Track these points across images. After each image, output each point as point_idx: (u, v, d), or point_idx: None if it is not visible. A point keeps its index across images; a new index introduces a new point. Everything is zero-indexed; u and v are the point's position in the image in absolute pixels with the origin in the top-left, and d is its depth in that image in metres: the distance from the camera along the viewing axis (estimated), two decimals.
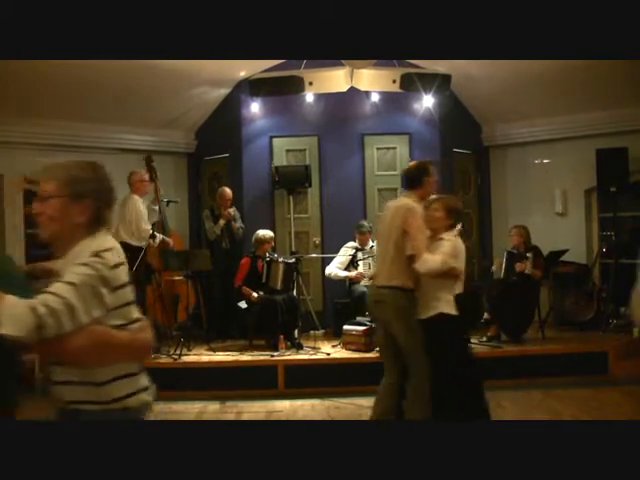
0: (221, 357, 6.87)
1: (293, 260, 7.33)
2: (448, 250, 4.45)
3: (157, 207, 7.57)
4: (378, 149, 8.55)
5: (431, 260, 4.32)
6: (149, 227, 7.18)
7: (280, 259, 7.36)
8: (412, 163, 5.12)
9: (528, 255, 7.25)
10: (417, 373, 4.39)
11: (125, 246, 7.52)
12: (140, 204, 7.25)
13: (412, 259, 4.38)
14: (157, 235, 7.19)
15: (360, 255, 7.68)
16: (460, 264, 4.53)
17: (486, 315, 7.49)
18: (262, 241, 7.48)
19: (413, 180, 4.68)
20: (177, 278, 7.32)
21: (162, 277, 7.35)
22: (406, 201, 4.58)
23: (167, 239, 7.43)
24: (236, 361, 6.76)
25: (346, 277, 7.73)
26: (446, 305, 4.43)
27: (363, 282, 7.61)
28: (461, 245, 4.66)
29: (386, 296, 4.48)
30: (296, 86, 7.73)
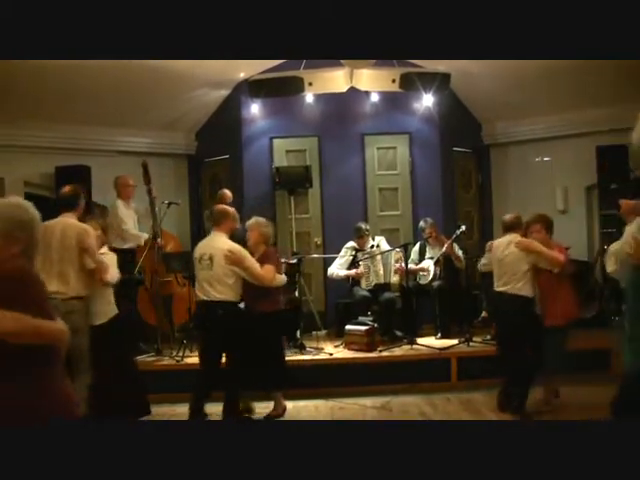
0: (224, 359, 6.85)
1: (295, 261, 7.32)
2: None
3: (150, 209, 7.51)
4: (378, 149, 8.56)
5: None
6: (129, 228, 7.29)
7: (282, 260, 7.34)
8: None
9: None
10: None
11: (114, 250, 7.65)
12: (122, 208, 7.40)
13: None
14: (143, 235, 7.29)
15: (360, 256, 7.67)
16: None
17: (484, 314, 7.49)
18: None
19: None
20: (168, 279, 7.28)
21: (157, 278, 7.27)
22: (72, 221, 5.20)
23: (146, 239, 7.31)
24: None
25: (347, 275, 7.71)
26: None
27: (364, 284, 7.60)
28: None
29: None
30: (296, 87, 7.74)
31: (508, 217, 5.79)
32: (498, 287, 5.60)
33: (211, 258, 5.38)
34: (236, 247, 5.45)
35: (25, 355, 2.18)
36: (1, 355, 2.14)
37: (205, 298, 5.40)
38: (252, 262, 5.40)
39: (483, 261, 6.03)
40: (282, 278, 5.77)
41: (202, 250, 5.52)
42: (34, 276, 2.35)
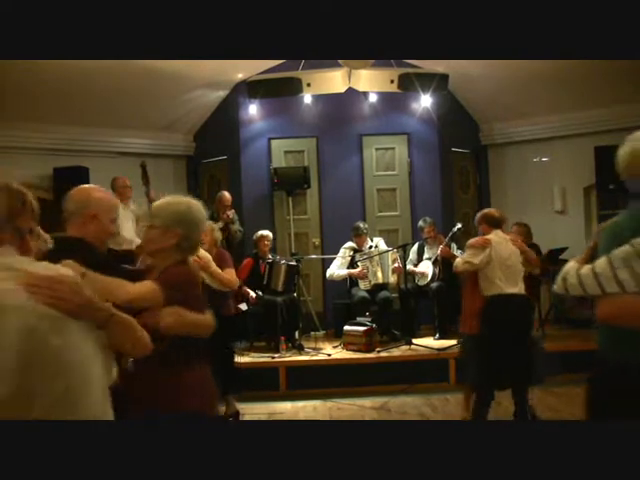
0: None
1: (294, 262, 7.33)
2: None
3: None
4: (377, 149, 8.56)
5: None
6: (124, 234, 7.33)
7: (282, 261, 7.36)
8: None
9: None
10: None
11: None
12: (119, 210, 7.37)
13: None
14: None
15: (358, 256, 7.67)
16: None
17: None
18: (256, 241, 7.48)
19: None
20: None
21: None
22: None
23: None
24: (237, 363, 6.74)
25: (349, 274, 7.69)
26: None
27: (363, 284, 7.60)
28: None
29: None
30: (294, 87, 7.74)
31: (497, 212, 5.33)
32: (507, 289, 4.97)
33: None
34: (202, 252, 5.41)
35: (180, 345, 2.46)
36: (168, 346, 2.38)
37: None
38: (215, 266, 5.35)
39: (471, 259, 5.08)
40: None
41: None
42: (190, 271, 2.69)
